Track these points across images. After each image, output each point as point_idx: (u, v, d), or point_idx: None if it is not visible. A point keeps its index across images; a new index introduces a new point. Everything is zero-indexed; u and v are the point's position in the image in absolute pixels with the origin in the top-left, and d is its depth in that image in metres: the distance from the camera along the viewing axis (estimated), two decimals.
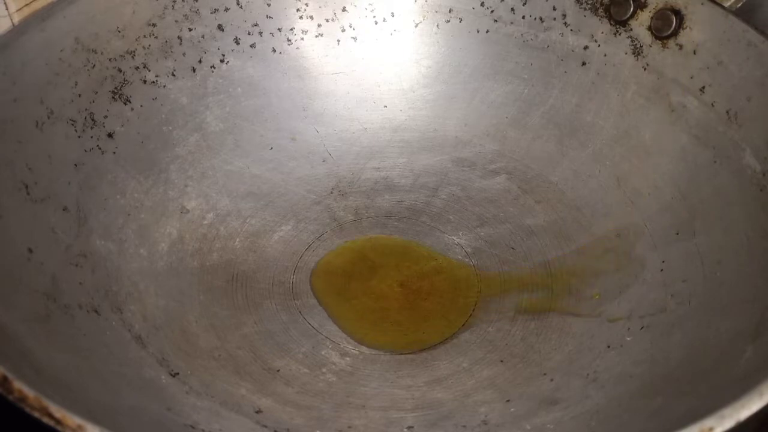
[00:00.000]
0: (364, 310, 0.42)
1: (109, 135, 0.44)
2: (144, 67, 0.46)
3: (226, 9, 0.48)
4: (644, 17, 0.46)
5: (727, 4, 0.47)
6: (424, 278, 0.44)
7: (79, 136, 0.42)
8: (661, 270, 0.42)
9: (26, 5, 0.48)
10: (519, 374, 0.39)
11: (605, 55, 0.48)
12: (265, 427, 0.36)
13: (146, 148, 0.45)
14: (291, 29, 0.50)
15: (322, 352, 0.40)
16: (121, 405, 0.33)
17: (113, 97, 0.44)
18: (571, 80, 0.49)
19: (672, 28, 0.45)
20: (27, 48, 0.40)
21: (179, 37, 0.47)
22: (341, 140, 0.50)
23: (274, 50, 0.49)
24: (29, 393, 0.27)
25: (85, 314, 0.37)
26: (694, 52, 0.44)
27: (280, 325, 0.42)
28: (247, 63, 0.49)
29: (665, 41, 0.45)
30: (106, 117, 0.44)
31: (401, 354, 0.41)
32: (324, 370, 0.40)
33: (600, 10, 0.47)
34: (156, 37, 0.46)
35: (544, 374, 0.39)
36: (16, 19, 0.47)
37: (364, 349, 0.41)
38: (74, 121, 0.42)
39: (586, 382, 0.38)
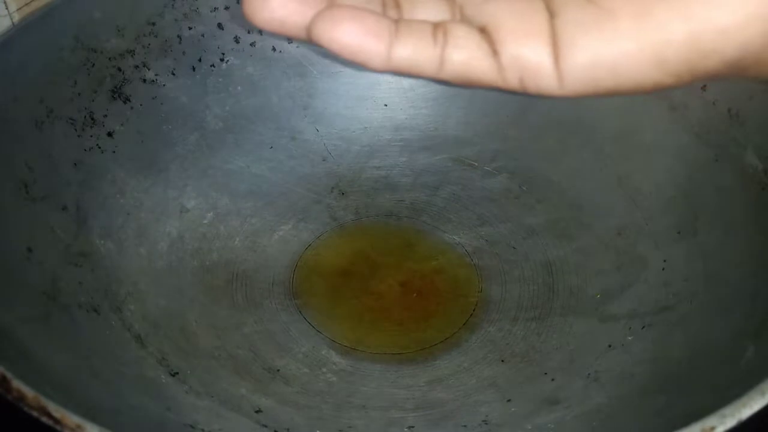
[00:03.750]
0: (365, 310, 0.42)
1: (109, 134, 0.44)
2: (144, 66, 0.45)
3: (226, 7, 0.48)
4: None
5: None
6: (424, 278, 0.44)
7: (78, 135, 0.42)
8: (663, 269, 0.42)
9: (26, 5, 0.48)
10: (520, 374, 0.39)
11: None
12: (265, 427, 0.36)
13: (146, 147, 0.45)
14: None
15: (322, 352, 0.40)
16: (120, 405, 0.33)
17: (113, 96, 0.44)
18: None
19: None
20: (26, 47, 0.40)
21: (179, 36, 0.47)
22: (341, 139, 0.50)
23: (274, 49, 0.49)
24: (28, 392, 0.27)
25: (85, 314, 0.37)
26: None
27: (280, 325, 0.41)
28: (247, 62, 0.49)
29: None
30: (105, 116, 0.44)
31: (402, 354, 0.41)
32: (324, 369, 0.40)
33: None
34: (156, 36, 0.46)
35: (545, 374, 0.39)
36: (16, 18, 0.47)
37: (364, 348, 0.41)
38: (74, 120, 0.42)
39: (587, 381, 0.38)
